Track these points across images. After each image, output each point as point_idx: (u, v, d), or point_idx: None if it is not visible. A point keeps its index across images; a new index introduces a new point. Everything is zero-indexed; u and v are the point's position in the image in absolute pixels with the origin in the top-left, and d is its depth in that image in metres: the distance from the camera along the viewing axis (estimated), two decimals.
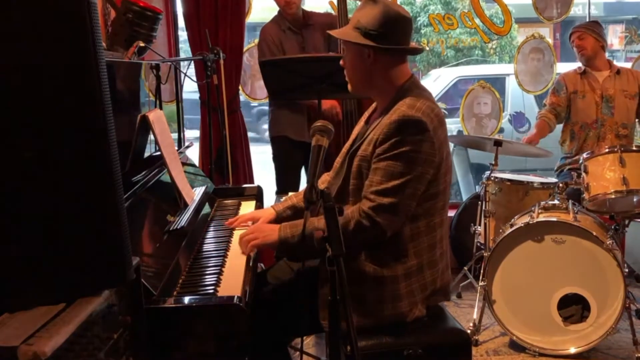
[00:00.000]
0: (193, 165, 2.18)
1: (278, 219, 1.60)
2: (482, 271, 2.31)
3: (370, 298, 1.38)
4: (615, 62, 2.88)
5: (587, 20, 3.20)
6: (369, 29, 1.34)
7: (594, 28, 2.79)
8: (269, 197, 2.27)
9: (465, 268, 2.73)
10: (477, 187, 3.17)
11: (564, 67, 3.35)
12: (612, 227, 2.31)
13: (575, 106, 2.82)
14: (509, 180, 2.50)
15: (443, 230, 1.43)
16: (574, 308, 2.18)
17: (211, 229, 1.76)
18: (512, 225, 2.26)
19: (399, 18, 1.35)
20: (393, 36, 1.35)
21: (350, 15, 2.38)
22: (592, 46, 2.78)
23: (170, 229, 1.49)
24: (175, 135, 2.20)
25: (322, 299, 1.40)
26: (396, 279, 1.37)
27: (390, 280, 1.37)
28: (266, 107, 3.03)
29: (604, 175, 2.22)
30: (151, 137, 1.69)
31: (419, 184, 1.33)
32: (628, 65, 3.32)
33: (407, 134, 1.30)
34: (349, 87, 1.46)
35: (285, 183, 2.64)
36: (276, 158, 2.75)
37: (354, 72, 1.41)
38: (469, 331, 2.23)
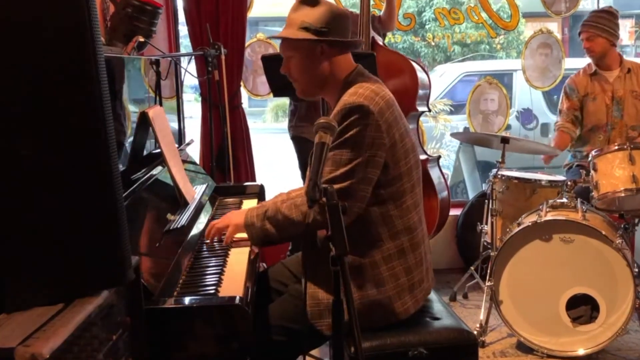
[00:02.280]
0: (193, 162, 2.17)
1: None
2: (488, 271, 2.28)
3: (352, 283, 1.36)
4: (625, 58, 2.82)
5: None
6: (319, 27, 1.36)
7: (604, 25, 2.65)
8: (271, 195, 2.25)
9: (472, 268, 2.70)
10: (483, 185, 3.13)
11: (572, 63, 3.31)
12: (622, 226, 2.27)
13: (586, 109, 2.74)
14: (516, 178, 2.46)
15: (420, 211, 1.44)
16: (582, 308, 2.15)
17: None
18: (519, 224, 2.22)
19: (342, 14, 1.40)
20: (340, 31, 1.39)
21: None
22: (602, 47, 2.66)
23: (171, 228, 1.47)
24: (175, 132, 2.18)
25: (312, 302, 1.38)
26: (375, 264, 1.38)
27: (370, 265, 1.38)
28: None
29: (614, 173, 2.18)
30: (151, 134, 1.67)
31: (371, 168, 1.33)
32: (638, 60, 3.26)
33: (350, 121, 1.31)
34: (299, 91, 1.47)
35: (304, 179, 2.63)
36: (297, 156, 2.72)
37: (305, 73, 1.41)
38: (475, 332, 2.19)
